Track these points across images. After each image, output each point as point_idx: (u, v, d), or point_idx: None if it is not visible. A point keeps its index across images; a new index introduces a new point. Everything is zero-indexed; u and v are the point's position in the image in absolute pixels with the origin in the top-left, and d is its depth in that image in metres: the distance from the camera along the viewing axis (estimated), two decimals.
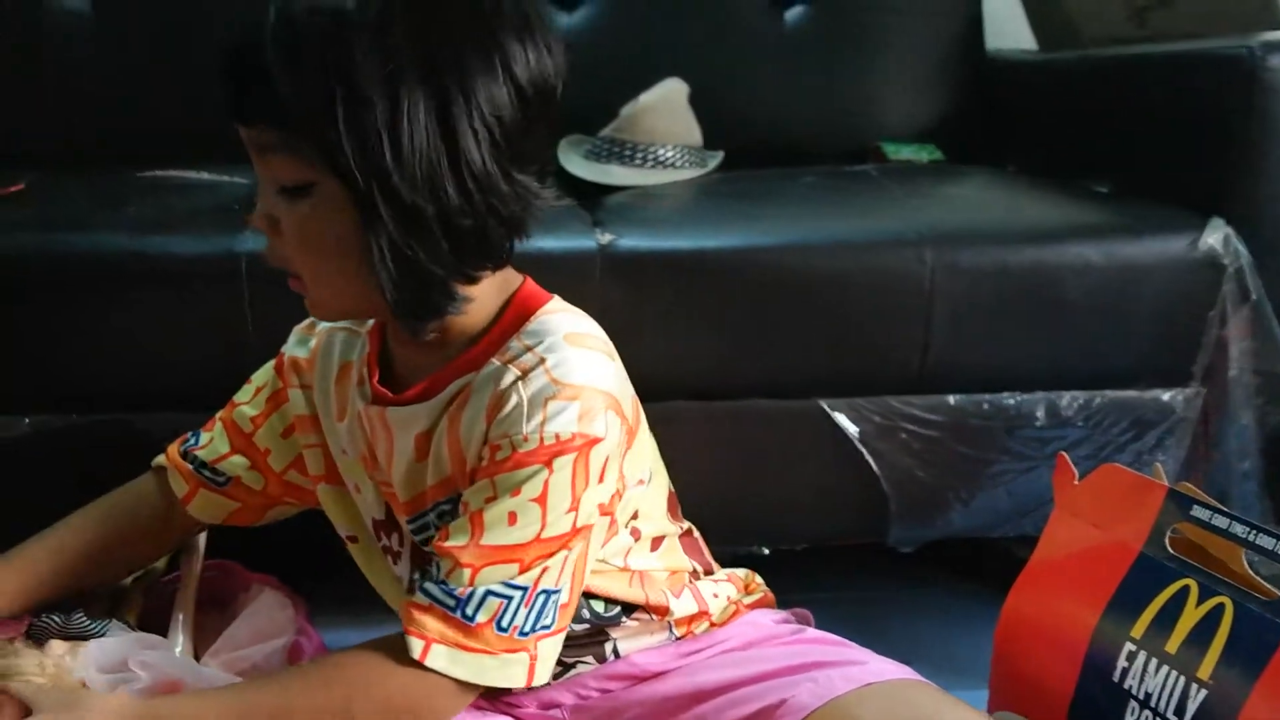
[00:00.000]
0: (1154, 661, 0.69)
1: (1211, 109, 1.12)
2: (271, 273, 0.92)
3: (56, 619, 0.82)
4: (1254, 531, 0.68)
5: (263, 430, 0.81)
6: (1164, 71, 1.22)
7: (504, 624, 0.62)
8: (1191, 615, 0.69)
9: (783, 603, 0.85)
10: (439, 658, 0.62)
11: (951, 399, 1.07)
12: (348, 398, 0.74)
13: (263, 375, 0.82)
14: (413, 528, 0.72)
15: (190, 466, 0.82)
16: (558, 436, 0.63)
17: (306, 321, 0.80)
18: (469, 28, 0.60)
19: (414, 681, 0.62)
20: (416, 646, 0.61)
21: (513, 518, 0.63)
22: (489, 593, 0.62)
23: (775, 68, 1.50)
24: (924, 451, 1.06)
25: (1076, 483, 0.82)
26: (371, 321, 0.74)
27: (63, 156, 1.30)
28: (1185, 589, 0.71)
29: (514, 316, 0.68)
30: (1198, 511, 0.72)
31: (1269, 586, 0.69)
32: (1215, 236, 1.06)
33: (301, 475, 0.81)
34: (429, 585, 0.63)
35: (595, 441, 0.64)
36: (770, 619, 0.80)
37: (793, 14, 1.52)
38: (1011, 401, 1.08)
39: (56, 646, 0.77)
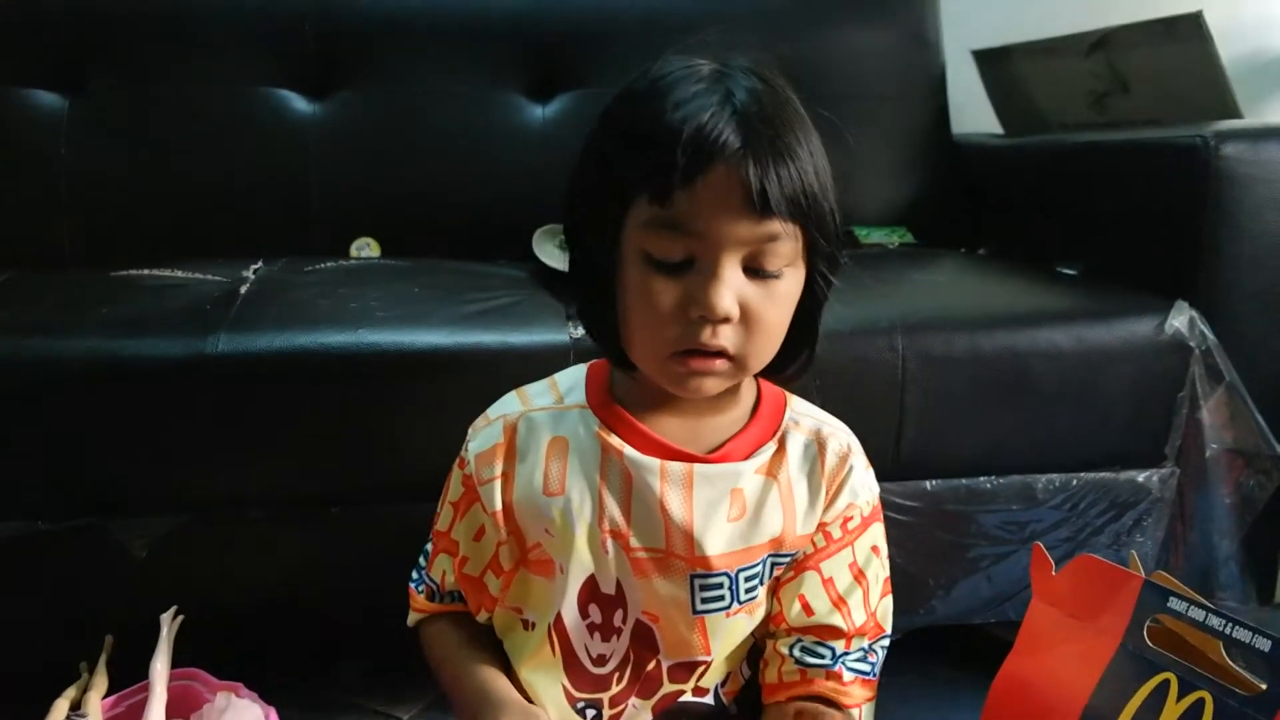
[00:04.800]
0: None
1: (1169, 195, 1.15)
2: (243, 373, 0.93)
3: None
4: (1230, 624, 0.68)
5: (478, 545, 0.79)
6: (1123, 158, 1.25)
7: (879, 671, 0.78)
8: (1173, 710, 0.68)
9: None
10: (865, 716, 0.76)
11: (928, 484, 1.07)
12: (567, 470, 0.74)
13: (455, 489, 0.79)
14: (707, 583, 0.74)
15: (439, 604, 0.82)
16: (878, 496, 0.80)
17: (480, 420, 0.79)
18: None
19: None
20: (854, 714, 0.75)
21: (876, 577, 0.78)
22: (883, 649, 0.78)
23: None
24: (902, 538, 1.05)
25: (1054, 573, 0.81)
26: (581, 398, 0.77)
27: (38, 256, 1.31)
28: (1166, 683, 0.70)
29: (771, 394, 0.79)
30: (1174, 603, 0.72)
31: (1249, 678, 0.69)
32: (1181, 319, 1.08)
33: (495, 576, 0.79)
34: (849, 662, 0.76)
35: None
36: None
37: None
38: (988, 486, 1.08)
39: None
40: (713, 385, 0.70)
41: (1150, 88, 1.38)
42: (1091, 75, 1.43)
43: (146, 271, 1.16)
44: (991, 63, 1.63)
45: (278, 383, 0.95)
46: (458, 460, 0.79)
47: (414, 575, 0.83)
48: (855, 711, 0.75)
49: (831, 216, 0.69)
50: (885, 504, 1.05)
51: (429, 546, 0.82)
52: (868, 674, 0.76)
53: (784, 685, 0.76)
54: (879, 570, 0.78)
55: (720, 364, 0.69)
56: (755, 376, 0.77)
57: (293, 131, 1.42)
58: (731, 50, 0.72)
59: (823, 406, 0.84)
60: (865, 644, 0.77)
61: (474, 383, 0.88)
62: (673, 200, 0.65)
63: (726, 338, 0.67)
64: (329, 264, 1.25)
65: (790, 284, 0.69)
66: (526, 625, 0.79)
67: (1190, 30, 1.25)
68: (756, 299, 0.67)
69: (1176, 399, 1.08)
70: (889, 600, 0.79)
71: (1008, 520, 1.08)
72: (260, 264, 1.22)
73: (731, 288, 0.66)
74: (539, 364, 0.91)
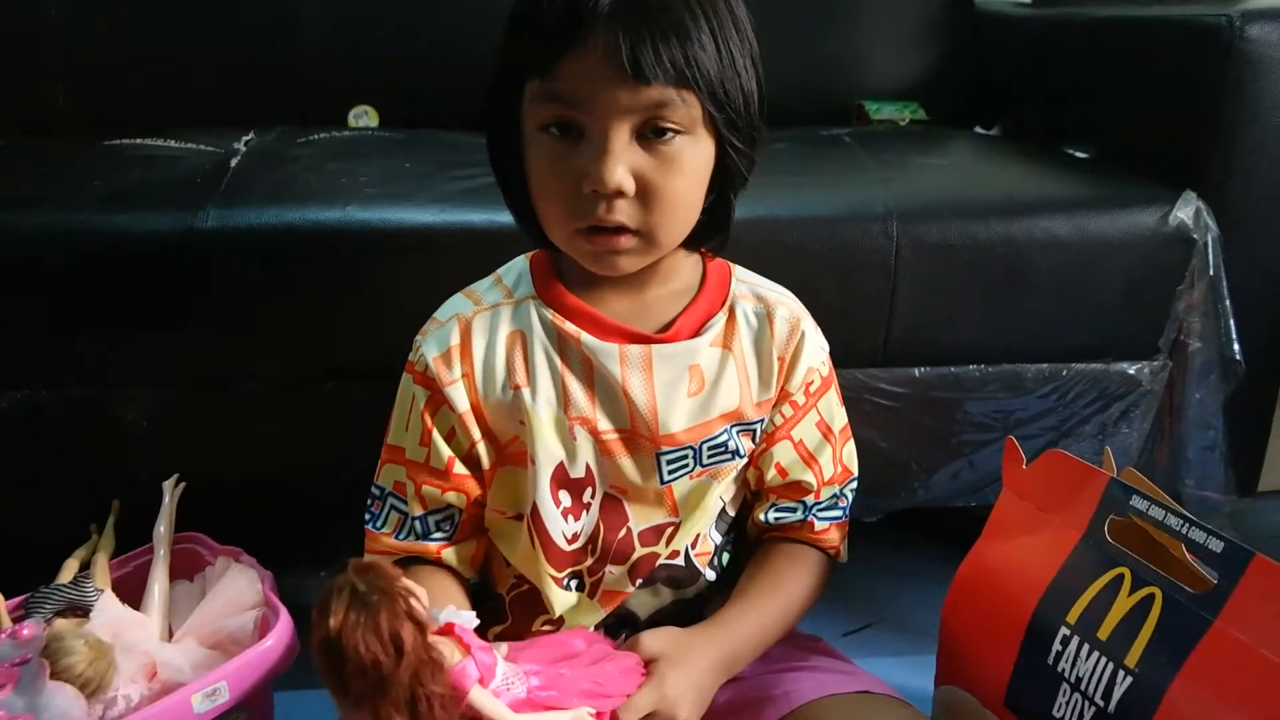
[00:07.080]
0: (1086, 647, 0.71)
1: (1188, 78, 1.10)
2: (231, 249, 0.94)
3: (63, 588, 0.85)
4: (1187, 525, 0.69)
5: (435, 446, 0.76)
6: (1145, 36, 1.20)
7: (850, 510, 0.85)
8: (1123, 603, 0.71)
9: None
10: (844, 554, 0.84)
11: (917, 371, 1.07)
12: (529, 361, 0.75)
13: (405, 400, 0.77)
14: (672, 456, 0.76)
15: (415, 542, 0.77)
16: (830, 354, 0.82)
17: (430, 324, 0.78)
18: None
19: (829, 571, 0.84)
20: (833, 554, 0.83)
21: (841, 429, 0.83)
22: (852, 491, 0.84)
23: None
24: (888, 423, 1.07)
25: (1025, 466, 0.83)
26: (530, 289, 0.77)
27: (30, 122, 1.30)
28: (1120, 577, 0.72)
29: (716, 267, 0.80)
30: (1136, 502, 0.73)
31: (1206, 574, 0.71)
32: (1187, 210, 1.05)
33: (473, 468, 0.78)
34: (821, 513, 0.82)
35: None
36: None
37: None
38: (977, 374, 1.08)
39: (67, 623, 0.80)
40: (627, 263, 0.71)
41: None
42: None
43: (139, 141, 1.15)
44: None
45: (266, 259, 0.95)
46: (407, 367, 0.77)
47: (371, 511, 0.78)
48: (832, 551, 0.83)
49: (739, 88, 0.68)
50: (871, 390, 1.07)
51: (386, 473, 0.77)
52: (839, 518, 0.83)
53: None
54: (840, 419, 0.83)
55: (625, 240, 0.69)
56: (695, 250, 0.78)
57: None
58: None
59: (813, 292, 0.85)
60: (835, 489, 0.83)
61: (461, 260, 0.88)
62: (553, 73, 0.65)
63: (624, 212, 0.67)
64: (322, 135, 1.24)
65: (692, 155, 0.68)
66: (510, 518, 0.81)
67: None
68: (652, 170, 0.67)
69: (1175, 291, 1.07)
70: (851, 443, 0.84)
71: (995, 409, 1.09)
72: (252, 135, 1.20)
73: (621, 160, 0.65)
74: (525, 243, 0.91)
